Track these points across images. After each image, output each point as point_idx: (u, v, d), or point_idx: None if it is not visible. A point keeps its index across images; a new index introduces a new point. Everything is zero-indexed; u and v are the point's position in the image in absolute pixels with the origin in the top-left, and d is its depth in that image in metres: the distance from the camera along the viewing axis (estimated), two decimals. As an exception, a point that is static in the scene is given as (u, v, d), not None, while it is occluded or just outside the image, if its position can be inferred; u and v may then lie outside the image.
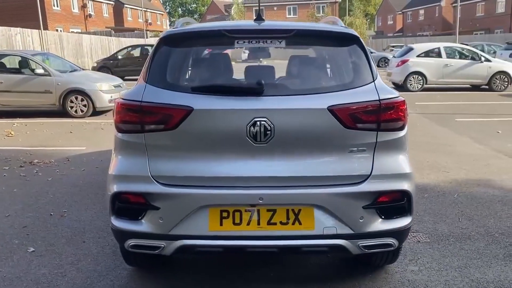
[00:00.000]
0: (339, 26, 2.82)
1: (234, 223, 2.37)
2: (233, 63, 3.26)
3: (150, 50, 14.04)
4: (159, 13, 55.90)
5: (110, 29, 34.98)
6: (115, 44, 26.62)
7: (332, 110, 2.33)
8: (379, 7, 71.01)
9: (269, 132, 2.31)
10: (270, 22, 2.78)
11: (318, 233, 2.36)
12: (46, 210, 4.37)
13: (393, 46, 34.57)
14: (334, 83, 2.52)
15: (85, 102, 9.94)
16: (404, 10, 61.40)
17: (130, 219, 2.48)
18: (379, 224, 2.42)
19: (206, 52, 2.99)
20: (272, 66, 2.79)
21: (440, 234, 3.71)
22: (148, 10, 48.55)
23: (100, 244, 3.58)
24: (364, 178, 2.38)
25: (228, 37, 2.56)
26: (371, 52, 32.20)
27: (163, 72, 2.56)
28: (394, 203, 2.44)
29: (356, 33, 2.65)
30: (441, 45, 15.01)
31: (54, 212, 4.31)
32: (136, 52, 20.58)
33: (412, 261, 3.24)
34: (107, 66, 19.61)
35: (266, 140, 2.32)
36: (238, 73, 2.99)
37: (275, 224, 2.37)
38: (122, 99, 2.51)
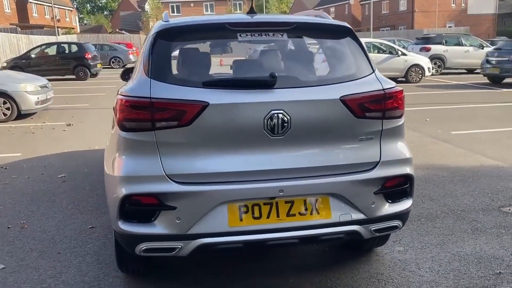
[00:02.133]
0: (331, 19, 2.90)
1: (254, 217, 2.35)
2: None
3: (67, 48, 13.34)
4: (68, 9, 52.64)
5: (15, 26, 32.27)
6: (24, 42, 24.61)
7: (344, 100, 2.40)
8: (291, 5, 73.18)
9: (286, 124, 2.32)
10: (267, 16, 2.78)
11: (335, 221, 2.42)
12: (0, 223, 3.98)
13: (310, 43, 35.85)
14: (339, 75, 2.58)
15: (8, 105, 9.10)
16: (316, 8, 63.87)
17: (141, 221, 2.35)
18: (388, 208, 2.54)
19: (208, 45, 2.90)
20: (277, 59, 2.79)
21: (411, 216, 3.94)
22: (55, 6, 45.49)
23: (79, 254, 3.34)
24: (374, 164, 2.49)
25: (231, 30, 2.53)
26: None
27: (167, 67, 2.45)
28: (400, 187, 2.58)
29: (349, 26, 2.75)
30: (361, 40, 15.86)
31: (11, 225, 3.93)
32: (52, 51, 19.21)
33: (396, 242, 3.43)
34: (19, 65, 18.10)
35: (283, 133, 2.33)
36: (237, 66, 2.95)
37: (294, 215, 2.39)
38: (126, 95, 2.36)
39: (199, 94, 2.30)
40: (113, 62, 26.57)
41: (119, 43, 30.37)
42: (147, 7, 56.65)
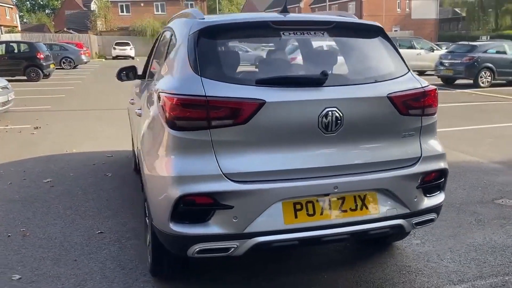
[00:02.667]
0: (357, 19, 2.96)
1: (308, 214, 2.36)
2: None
3: (17, 47, 13.03)
4: (8, 7, 49.89)
5: (-48, 24, 30.12)
6: (-34, 41, 23.05)
7: (390, 97, 2.47)
8: (242, 7, 73.47)
9: (339, 121, 2.35)
10: (302, 15, 2.80)
11: (382, 216, 2.48)
12: (-2, 232, 3.73)
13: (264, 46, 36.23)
14: (380, 73, 2.64)
15: (-33, 107, 8.53)
16: (267, 10, 64.51)
17: (194, 222, 2.30)
18: (427, 202, 2.64)
19: (249, 43, 2.87)
20: (319, 57, 2.80)
21: (416, 210, 4.12)
22: (-5, 3, 43.00)
23: (98, 260, 3.20)
24: (416, 160, 2.58)
25: (274, 28, 2.53)
26: (247, 51, 33.43)
27: (216, 64, 2.41)
28: (437, 181, 2.68)
29: (381, 26, 2.83)
30: (323, 43, 16.23)
31: (11, 233, 3.70)
32: (-1, 50, 18.14)
33: (411, 236, 3.55)
34: (-37, 65, 16.95)
35: (335, 130, 2.36)
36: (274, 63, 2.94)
37: (345, 211, 2.42)
38: (177, 94, 2.29)
39: (255, 92, 2.29)
40: (63, 63, 25.46)
41: (68, 43, 29.20)
42: (93, 6, 54.81)
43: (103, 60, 37.24)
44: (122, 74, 4.28)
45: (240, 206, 2.27)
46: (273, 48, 2.71)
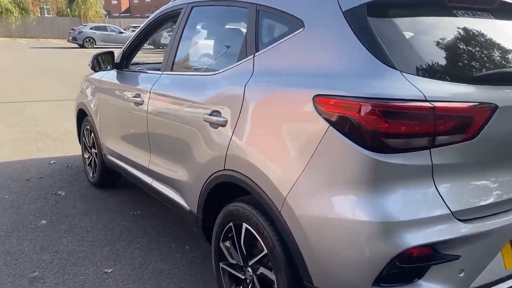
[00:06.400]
0: None
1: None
2: None
3: None
4: None
5: None
6: None
7: None
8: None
9: None
10: None
11: None
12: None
13: (134, 27, 34.09)
14: None
15: None
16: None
17: (403, 283, 1.59)
18: None
19: (433, 25, 2.05)
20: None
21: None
22: None
23: None
24: None
25: (448, 6, 1.89)
26: (121, 32, 30.84)
27: (408, 55, 1.68)
28: None
29: None
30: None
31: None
32: None
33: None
34: None
35: None
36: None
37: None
38: (381, 98, 1.52)
39: (481, 93, 1.64)
40: None
41: None
42: None
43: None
44: (96, 61, 3.44)
45: (469, 254, 1.62)
46: (461, 33, 2.01)
